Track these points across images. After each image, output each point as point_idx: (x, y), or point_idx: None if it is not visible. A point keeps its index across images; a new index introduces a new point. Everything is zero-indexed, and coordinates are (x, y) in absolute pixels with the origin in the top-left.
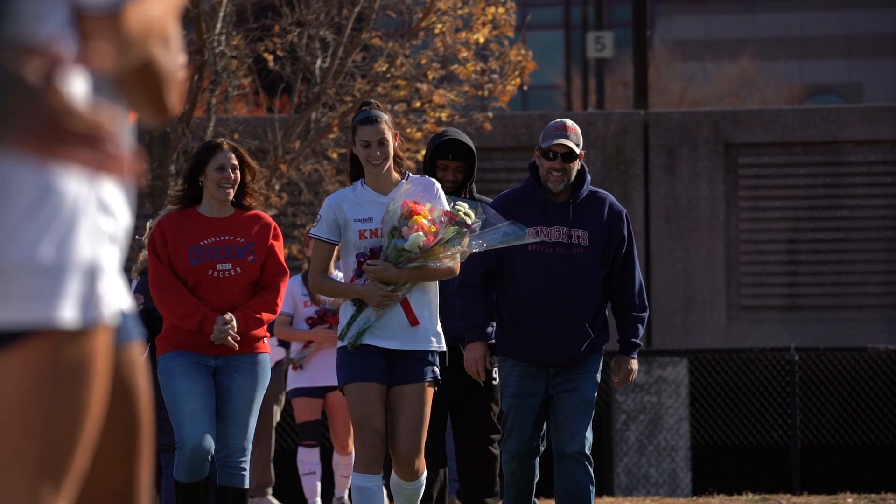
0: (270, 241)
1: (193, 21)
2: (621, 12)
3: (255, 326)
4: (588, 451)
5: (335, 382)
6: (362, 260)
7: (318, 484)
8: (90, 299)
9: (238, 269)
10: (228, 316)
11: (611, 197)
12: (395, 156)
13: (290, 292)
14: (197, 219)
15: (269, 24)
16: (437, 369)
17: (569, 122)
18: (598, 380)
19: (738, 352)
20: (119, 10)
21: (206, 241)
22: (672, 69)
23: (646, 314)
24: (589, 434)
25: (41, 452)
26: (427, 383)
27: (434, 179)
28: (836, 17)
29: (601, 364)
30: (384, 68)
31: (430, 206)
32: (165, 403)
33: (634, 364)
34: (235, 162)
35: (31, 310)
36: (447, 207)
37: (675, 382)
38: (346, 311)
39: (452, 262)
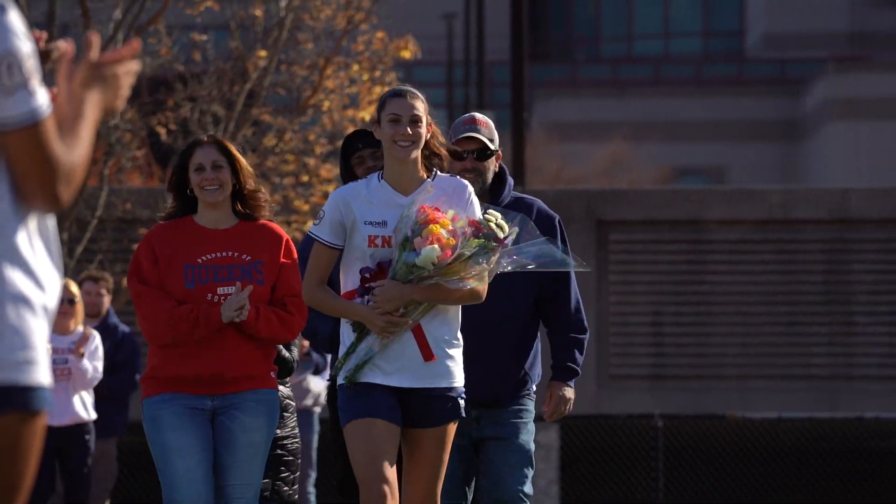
0: (282, 259)
1: None
2: (501, 94)
3: (266, 328)
4: None
5: None
6: (367, 276)
7: None
8: None
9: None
10: (241, 291)
11: (539, 203)
12: (428, 150)
13: None
14: (193, 231)
15: (163, 98)
16: (461, 401)
17: (478, 115)
18: (533, 426)
19: (606, 418)
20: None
21: (203, 259)
22: (549, 149)
23: (585, 337)
24: (528, 488)
25: None
26: (447, 424)
27: (467, 182)
28: (702, 104)
29: (533, 405)
30: (274, 143)
31: (454, 213)
32: (153, 456)
33: (570, 392)
34: (219, 157)
35: None
36: (477, 216)
37: (546, 446)
38: (345, 335)
39: (478, 282)
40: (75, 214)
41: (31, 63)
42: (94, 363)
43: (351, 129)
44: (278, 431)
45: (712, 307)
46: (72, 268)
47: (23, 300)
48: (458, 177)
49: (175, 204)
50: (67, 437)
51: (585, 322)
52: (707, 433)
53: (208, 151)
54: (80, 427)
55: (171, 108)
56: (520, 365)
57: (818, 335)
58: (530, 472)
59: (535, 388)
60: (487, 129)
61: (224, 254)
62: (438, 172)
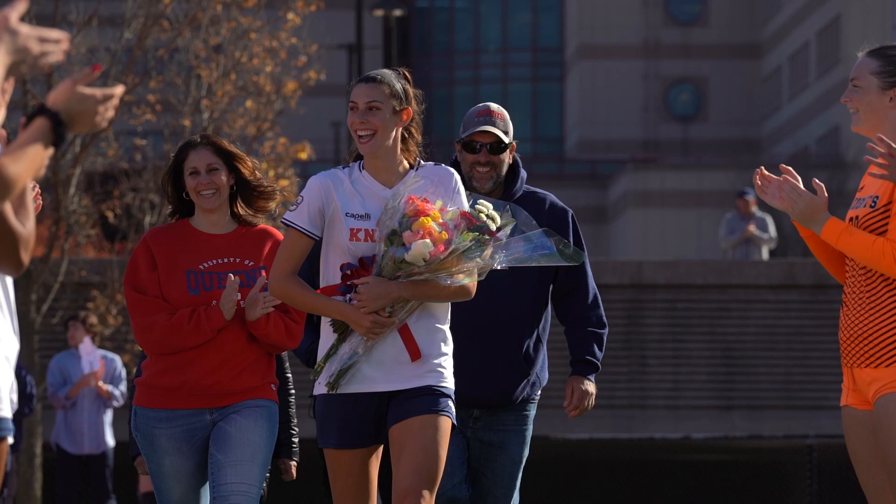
0: None
1: (53, 187)
2: None
3: (275, 333)
4: None
5: None
6: (348, 273)
7: None
8: None
9: (241, 302)
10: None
11: (552, 197)
12: (410, 142)
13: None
14: (192, 236)
15: (111, 189)
16: (451, 403)
17: (494, 105)
18: (530, 432)
19: None
20: None
21: (205, 265)
22: None
23: (604, 332)
24: (516, 497)
25: None
26: (439, 414)
27: (453, 170)
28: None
29: (535, 410)
30: None
31: (442, 203)
32: (150, 474)
33: (591, 386)
34: (214, 160)
35: None
36: (466, 207)
37: None
38: (324, 335)
39: (468, 278)
40: (42, 279)
41: None
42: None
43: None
44: None
45: None
46: (39, 322)
47: None
48: (445, 166)
49: (173, 204)
50: None
51: (604, 318)
52: (535, 450)
53: (202, 154)
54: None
55: (118, 196)
56: (529, 366)
57: (619, 373)
58: (518, 482)
59: (539, 393)
60: (503, 120)
61: (226, 260)
62: (422, 161)
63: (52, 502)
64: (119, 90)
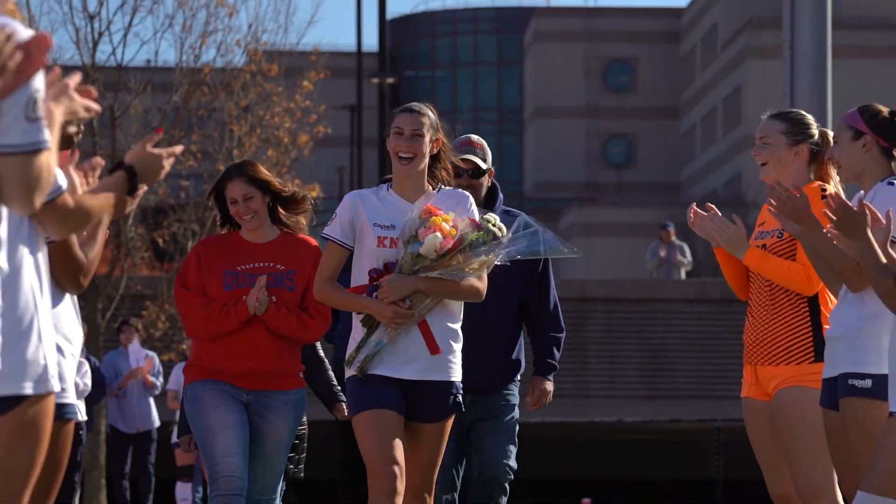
0: (312, 269)
1: (115, 219)
2: None
3: (284, 325)
4: (508, 480)
5: None
6: (375, 276)
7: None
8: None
9: (273, 299)
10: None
11: (525, 217)
12: (436, 168)
13: (179, 374)
14: (237, 243)
15: (161, 220)
16: (459, 397)
17: (474, 136)
18: (517, 409)
19: None
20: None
21: (242, 267)
22: None
23: (562, 336)
24: (513, 463)
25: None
26: (445, 419)
27: (468, 193)
28: None
29: (517, 391)
30: None
31: (454, 216)
32: (194, 434)
33: (549, 385)
34: (248, 189)
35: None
36: (477, 219)
37: None
38: (355, 331)
39: (478, 278)
40: (105, 292)
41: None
42: (84, 380)
43: None
44: None
45: None
46: (104, 326)
47: (59, 351)
48: (461, 190)
49: (222, 219)
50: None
51: (562, 322)
52: None
53: (237, 186)
54: (76, 424)
55: (166, 226)
56: (508, 357)
57: (567, 369)
58: (514, 449)
59: (519, 377)
60: (481, 150)
61: (261, 264)
62: (443, 186)
63: (110, 469)
64: (178, 149)
